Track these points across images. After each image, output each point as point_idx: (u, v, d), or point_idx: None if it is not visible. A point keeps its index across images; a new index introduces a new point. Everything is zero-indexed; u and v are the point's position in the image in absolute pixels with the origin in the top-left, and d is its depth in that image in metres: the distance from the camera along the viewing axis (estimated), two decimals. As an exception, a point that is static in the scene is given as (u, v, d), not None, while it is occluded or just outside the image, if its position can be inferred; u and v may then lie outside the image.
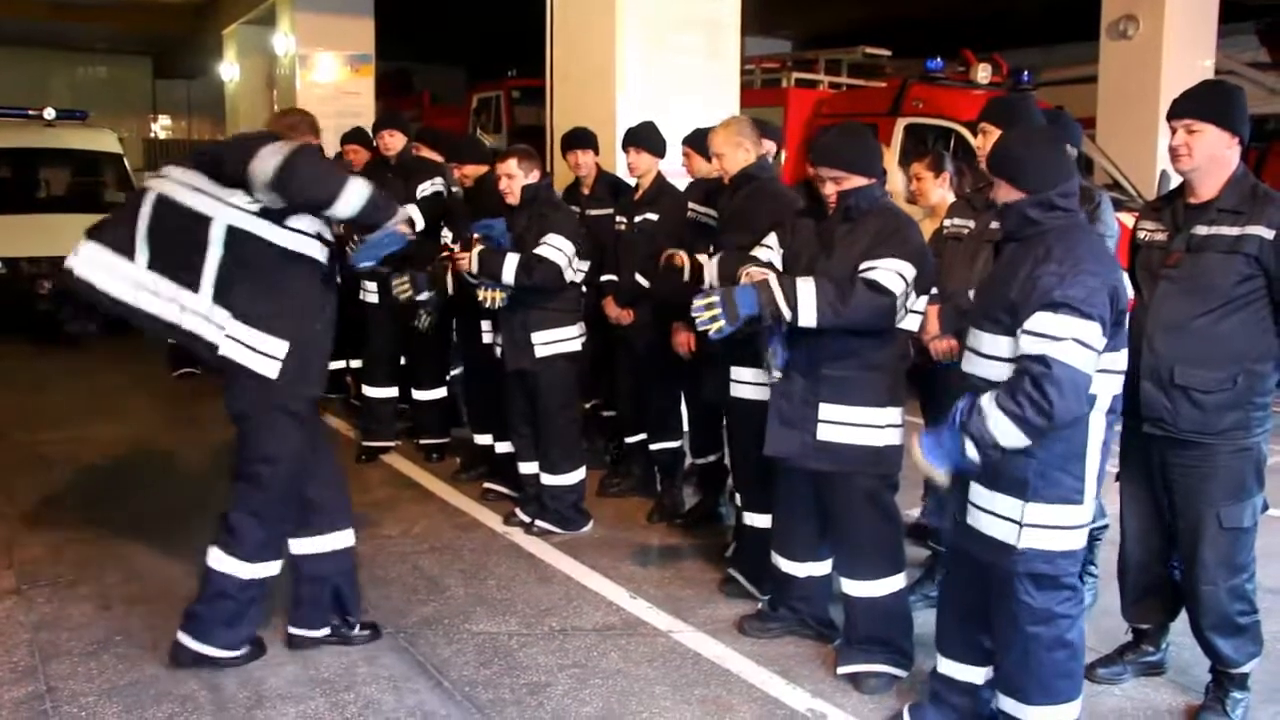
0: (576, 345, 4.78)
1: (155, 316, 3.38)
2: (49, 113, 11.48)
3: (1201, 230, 3.08)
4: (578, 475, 4.89)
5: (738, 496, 4.27)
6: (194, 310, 3.36)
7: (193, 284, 3.34)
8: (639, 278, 4.92)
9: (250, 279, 3.36)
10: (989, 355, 2.81)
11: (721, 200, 4.21)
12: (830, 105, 9.74)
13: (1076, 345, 2.59)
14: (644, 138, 5.11)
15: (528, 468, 4.95)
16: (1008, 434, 2.64)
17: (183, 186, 3.39)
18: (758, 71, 10.46)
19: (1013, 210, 2.80)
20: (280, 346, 3.37)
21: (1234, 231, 3.01)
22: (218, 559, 3.51)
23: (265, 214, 3.34)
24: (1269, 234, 2.96)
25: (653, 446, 5.20)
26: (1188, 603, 3.29)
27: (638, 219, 5.05)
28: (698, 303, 3.26)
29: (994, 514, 2.82)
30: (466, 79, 18.00)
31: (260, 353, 3.37)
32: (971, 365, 2.88)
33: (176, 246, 3.35)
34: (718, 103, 6.43)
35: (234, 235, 3.33)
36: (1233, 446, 3.08)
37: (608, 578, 4.36)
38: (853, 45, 10.68)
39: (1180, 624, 3.42)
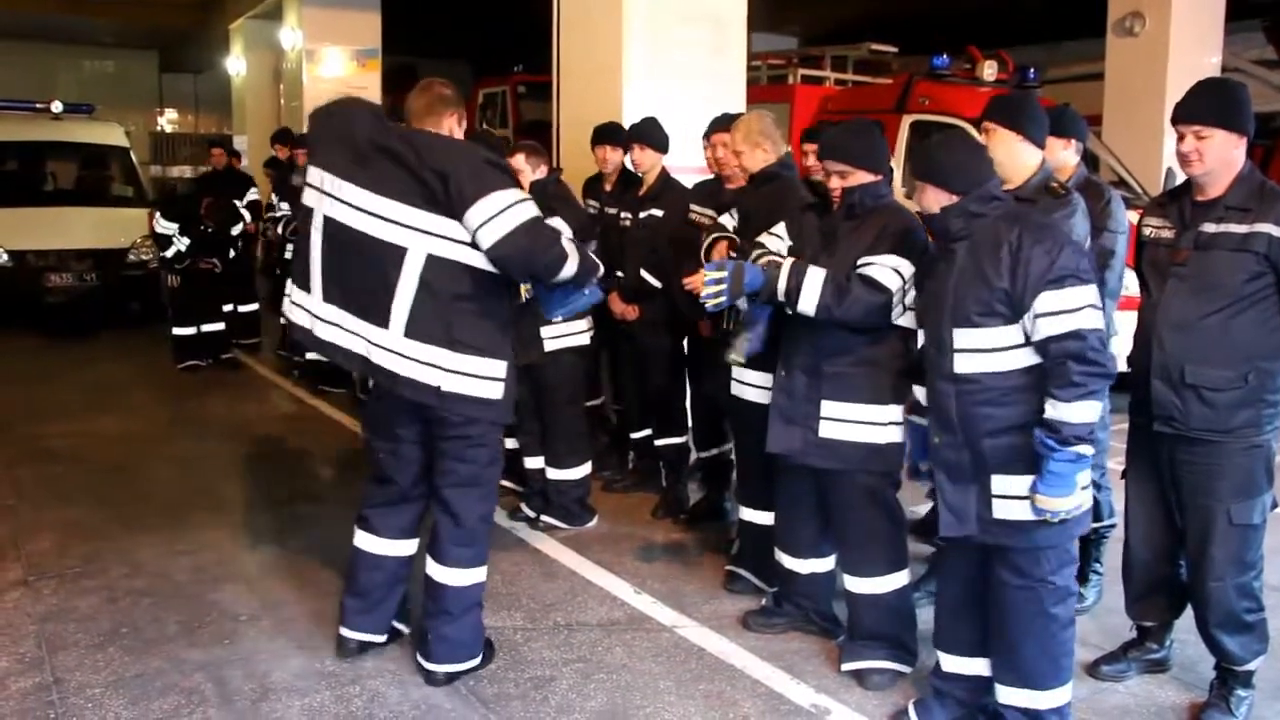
0: (584, 339, 4.80)
1: (344, 349, 3.28)
2: (56, 106, 11.51)
3: (1210, 228, 3.07)
4: (583, 470, 4.89)
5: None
6: (384, 346, 3.22)
7: (381, 320, 3.20)
8: (644, 274, 4.92)
9: (464, 307, 3.23)
10: (989, 349, 2.83)
11: (743, 198, 4.19)
12: (836, 102, 9.72)
13: (1092, 310, 2.73)
14: (645, 134, 5.09)
15: (533, 463, 4.96)
16: (1089, 411, 2.72)
17: (361, 213, 3.21)
18: (764, 68, 10.44)
19: (954, 211, 2.89)
20: (500, 367, 3.29)
21: (1242, 229, 3.01)
22: (460, 575, 3.41)
23: (474, 243, 3.21)
24: (1278, 231, 2.95)
25: (658, 442, 5.20)
26: (1194, 600, 3.28)
27: (642, 215, 5.04)
28: (708, 275, 3.31)
29: (1019, 497, 2.83)
30: (472, 74, 18.00)
31: (486, 378, 3.27)
32: (966, 365, 2.87)
33: (359, 279, 3.23)
34: (724, 98, 6.41)
35: (436, 265, 3.18)
36: (1244, 444, 3.08)
37: (612, 573, 4.36)
38: (859, 42, 10.66)
39: (1185, 621, 3.42)
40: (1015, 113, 3.57)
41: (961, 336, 2.87)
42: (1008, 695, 3.00)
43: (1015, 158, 3.46)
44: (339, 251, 3.24)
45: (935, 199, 2.92)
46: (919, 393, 3.17)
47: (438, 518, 3.44)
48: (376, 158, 3.20)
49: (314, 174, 3.30)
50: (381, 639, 3.60)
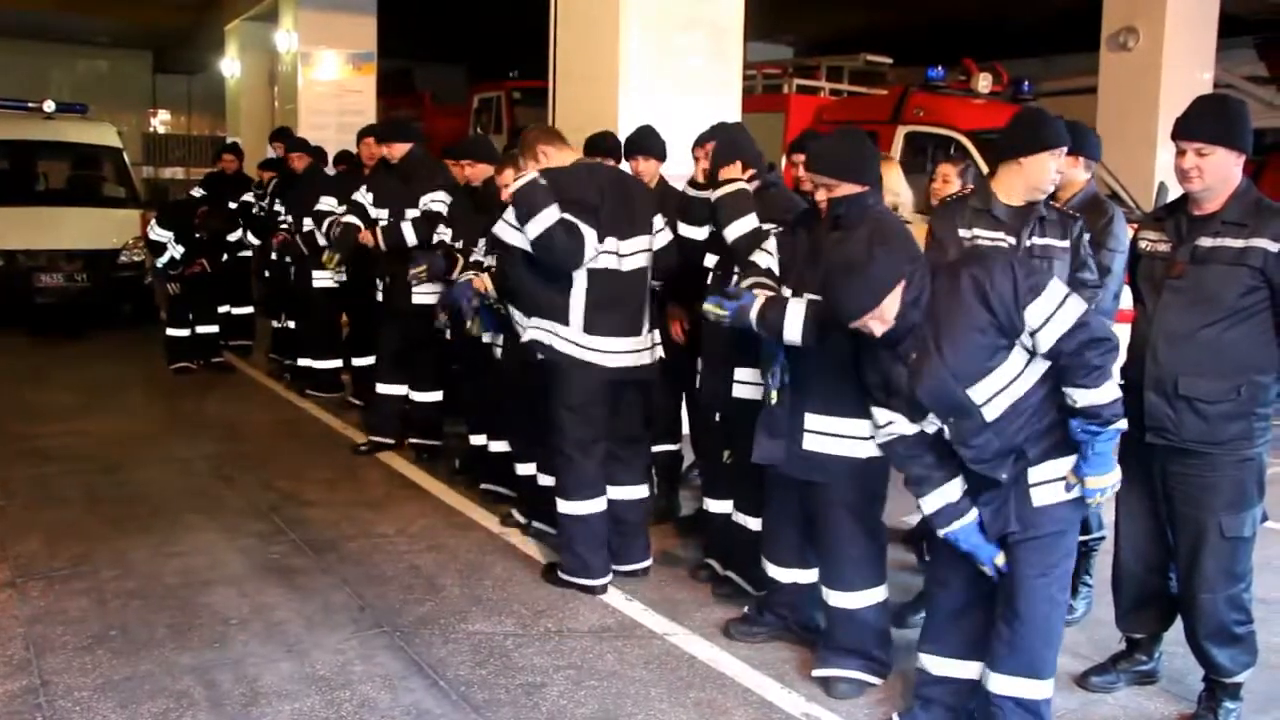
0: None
1: (603, 367, 4.13)
2: (48, 105, 11.45)
3: (1206, 242, 3.10)
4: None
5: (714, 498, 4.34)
6: (639, 349, 4.25)
7: (636, 329, 4.22)
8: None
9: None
10: (1009, 383, 2.84)
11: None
12: (831, 112, 9.74)
13: (1072, 299, 2.80)
14: (642, 145, 5.05)
15: (524, 469, 4.94)
16: (1114, 388, 2.81)
17: (624, 257, 4.16)
18: (759, 77, 10.46)
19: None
20: None
21: (1238, 244, 3.04)
22: (645, 489, 4.45)
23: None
24: (1274, 247, 2.99)
25: (652, 449, 5.18)
26: (1184, 612, 3.30)
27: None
28: (710, 308, 3.33)
29: (1057, 480, 2.88)
30: (468, 78, 18.00)
31: None
32: (997, 408, 2.86)
33: (625, 308, 4.17)
34: (720, 105, 6.43)
35: (649, 272, 4.30)
36: (1235, 456, 3.10)
37: (604, 579, 4.36)
38: (854, 52, 10.69)
39: (1174, 633, 3.43)
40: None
41: (980, 390, 2.85)
42: (1006, 685, 2.96)
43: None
44: (607, 293, 4.11)
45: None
46: None
47: (622, 453, 4.32)
48: (624, 207, 4.16)
49: (598, 241, 4.08)
50: (644, 565, 4.43)
